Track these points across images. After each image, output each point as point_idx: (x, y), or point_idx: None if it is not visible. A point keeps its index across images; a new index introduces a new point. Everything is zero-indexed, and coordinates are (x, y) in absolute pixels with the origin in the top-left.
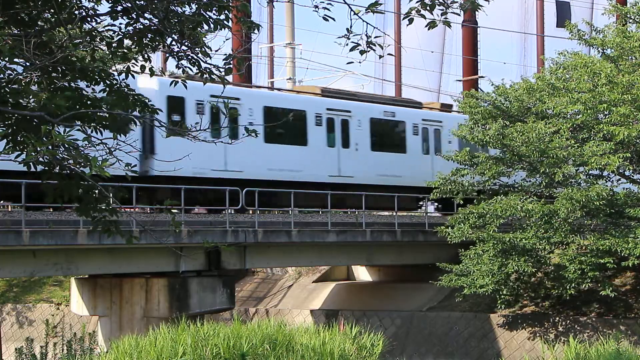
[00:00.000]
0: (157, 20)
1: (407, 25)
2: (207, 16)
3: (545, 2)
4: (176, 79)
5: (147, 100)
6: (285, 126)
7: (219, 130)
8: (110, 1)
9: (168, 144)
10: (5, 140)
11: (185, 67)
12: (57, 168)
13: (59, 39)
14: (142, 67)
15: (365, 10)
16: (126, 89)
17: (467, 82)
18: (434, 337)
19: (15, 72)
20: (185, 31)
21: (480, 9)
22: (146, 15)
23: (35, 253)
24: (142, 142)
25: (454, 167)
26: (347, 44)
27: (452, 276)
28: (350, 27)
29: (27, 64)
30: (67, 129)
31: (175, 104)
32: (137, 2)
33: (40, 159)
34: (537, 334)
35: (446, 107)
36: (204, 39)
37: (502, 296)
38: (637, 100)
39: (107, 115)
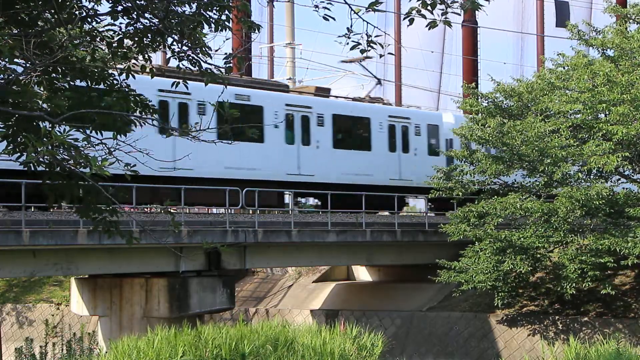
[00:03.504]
0: (157, 20)
1: (408, 25)
2: (208, 16)
3: (545, 1)
4: (178, 80)
5: (147, 101)
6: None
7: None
8: (110, 1)
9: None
10: (5, 141)
11: (186, 67)
12: (58, 168)
13: (59, 39)
14: (143, 67)
15: (366, 9)
16: (127, 89)
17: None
18: (434, 337)
19: (15, 72)
20: (186, 31)
21: (480, 8)
22: (146, 15)
23: (35, 253)
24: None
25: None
26: (347, 43)
27: (451, 273)
28: (351, 26)
29: (27, 64)
30: (67, 129)
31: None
32: (137, 2)
33: (40, 159)
34: (537, 334)
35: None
36: (204, 39)
37: (501, 293)
38: (636, 100)
39: (107, 115)
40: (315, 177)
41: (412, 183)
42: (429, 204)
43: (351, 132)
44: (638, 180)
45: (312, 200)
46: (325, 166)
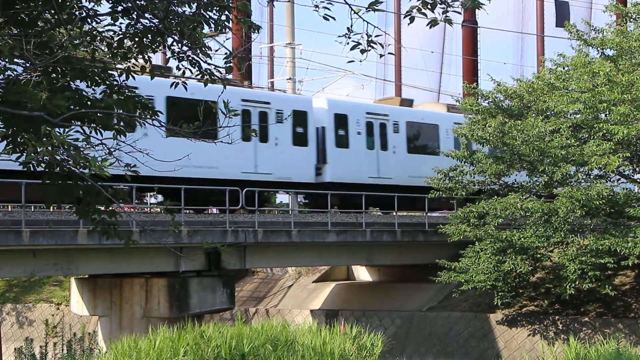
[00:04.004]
0: (157, 20)
1: (409, 24)
2: (208, 16)
3: (545, 1)
4: (176, 81)
5: (147, 102)
6: None
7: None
8: (110, 1)
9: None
10: (5, 141)
11: (186, 68)
12: (57, 169)
13: (59, 39)
14: (143, 68)
15: (366, 9)
16: (127, 90)
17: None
18: (434, 337)
19: (15, 72)
20: (186, 31)
21: (481, 7)
22: (146, 15)
23: (35, 253)
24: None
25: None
26: (347, 43)
27: (451, 273)
28: (351, 26)
29: (27, 64)
30: (67, 129)
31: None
32: (138, 2)
33: (40, 160)
34: (537, 334)
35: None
36: (204, 39)
37: (500, 293)
38: (636, 100)
39: (107, 115)
40: (142, 171)
41: (272, 177)
42: (304, 199)
43: (191, 119)
44: (638, 180)
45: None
46: (156, 157)
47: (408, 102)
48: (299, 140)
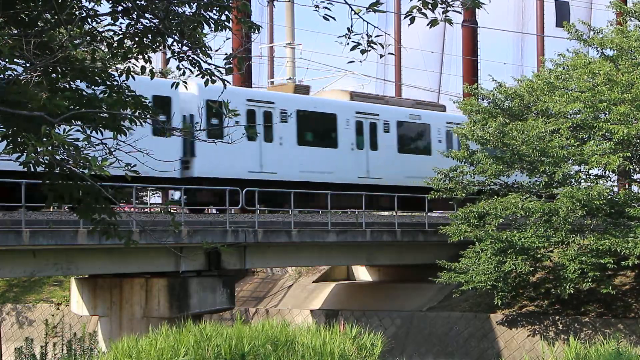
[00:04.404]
0: (157, 20)
1: (409, 25)
2: (208, 16)
3: (545, 1)
4: (178, 81)
5: (145, 101)
6: None
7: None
8: (110, 1)
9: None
10: (5, 141)
11: (186, 68)
12: (57, 169)
13: (59, 39)
14: (143, 68)
15: (366, 9)
16: (126, 90)
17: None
18: (434, 337)
19: (15, 72)
20: (186, 31)
21: (481, 7)
22: (146, 15)
23: (35, 253)
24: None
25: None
26: (347, 44)
27: (452, 274)
28: (351, 26)
29: (27, 64)
30: (67, 129)
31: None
32: (138, 2)
33: (40, 160)
34: (537, 334)
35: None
36: (204, 39)
37: (501, 293)
38: (636, 100)
39: (107, 115)
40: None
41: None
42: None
43: None
44: (638, 180)
45: None
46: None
47: (303, 89)
48: (161, 129)
